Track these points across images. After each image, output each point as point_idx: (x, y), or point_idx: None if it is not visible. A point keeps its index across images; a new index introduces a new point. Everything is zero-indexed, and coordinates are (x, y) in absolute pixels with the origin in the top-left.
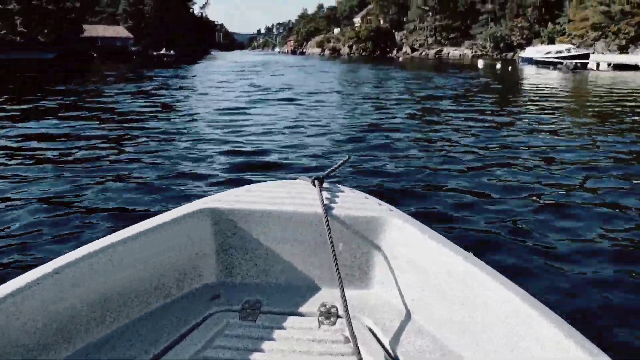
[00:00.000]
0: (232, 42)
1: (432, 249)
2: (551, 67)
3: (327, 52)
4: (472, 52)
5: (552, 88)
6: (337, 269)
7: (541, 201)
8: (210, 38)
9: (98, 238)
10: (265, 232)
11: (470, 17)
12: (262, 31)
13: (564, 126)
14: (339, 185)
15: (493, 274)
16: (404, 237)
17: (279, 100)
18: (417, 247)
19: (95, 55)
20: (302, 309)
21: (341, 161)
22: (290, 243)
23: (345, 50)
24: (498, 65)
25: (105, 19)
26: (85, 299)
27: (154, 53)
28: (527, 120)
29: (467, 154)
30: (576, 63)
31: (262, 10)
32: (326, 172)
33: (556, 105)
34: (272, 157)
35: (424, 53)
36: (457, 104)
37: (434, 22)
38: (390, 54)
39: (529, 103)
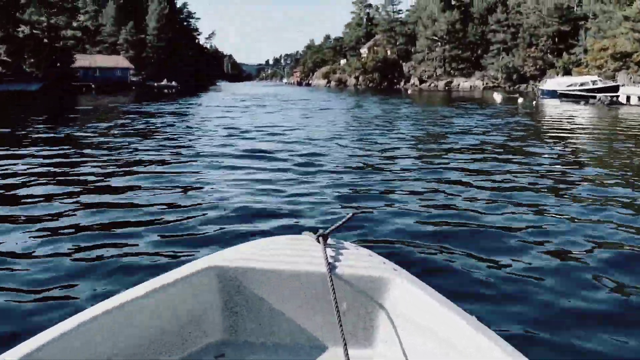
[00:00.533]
0: (240, 72)
1: (436, 311)
2: (582, 102)
3: (333, 83)
4: (483, 84)
5: (604, 129)
6: (341, 328)
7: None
8: (218, 68)
9: (101, 300)
10: (270, 291)
11: (481, 47)
12: (271, 62)
13: None
14: (343, 242)
15: (496, 340)
16: (408, 298)
17: (268, 155)
18: (421, 309)
19: (92, 86)
20: None
21: (346, 218)
22: (295, 302)
23: (351, 81)
24: (520, 100)
25: (107, 49)
26: None
27: (155, 84)
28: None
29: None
30: (612, 97)
31: (271, 41)
32: (330, 228)
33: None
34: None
35: (433, 85)
36: (491, 155)
37: (443, 53)
38: (397, 86)
39: (587, 156)
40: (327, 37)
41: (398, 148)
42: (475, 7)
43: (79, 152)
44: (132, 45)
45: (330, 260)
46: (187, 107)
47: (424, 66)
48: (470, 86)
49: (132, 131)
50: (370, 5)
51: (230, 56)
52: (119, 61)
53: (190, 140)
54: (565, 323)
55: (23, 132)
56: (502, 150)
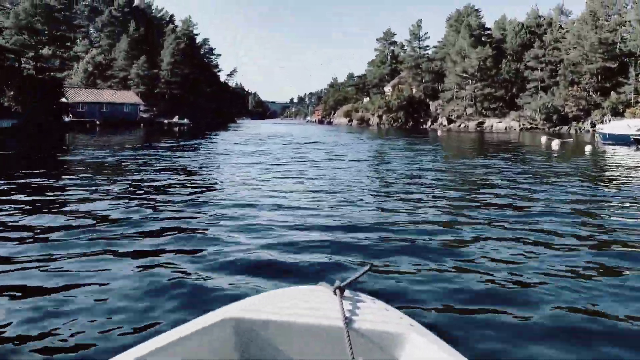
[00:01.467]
0: (264, 110)
1: None
2: None
3: (354, 122)
4: (519, 125)
5: None
6: None
7: None
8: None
9: (116, 354)
10: (287, 344)
11: (516, 85)
12: (295, 100)
13: None
14: (360, 295)
15: None
16: (425, 355)
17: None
18: None
19: (97, 122)
20: None
21: (362, 270)
22: (310, 356)
23: (374, 120)
24: (588, 148)
25: (118, 84)
26: None
27: (165, 121)
28: None
29: None
30: None
31: (297, 80)
32: (347, 281)
33: None
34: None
35: (462, 125)
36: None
37: (474, 91)
38: (424, 126)
39: None
40: (351, 76)
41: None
42: (508, 43)
43: None
44: (144, 81)
45: (347, 314)
46: (209, 150)
47: (453, 105)
48: (506, 127)
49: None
50: (394, 43)
51: (254, 94)
52: (128, 97)
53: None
54: None
55: None
56: None
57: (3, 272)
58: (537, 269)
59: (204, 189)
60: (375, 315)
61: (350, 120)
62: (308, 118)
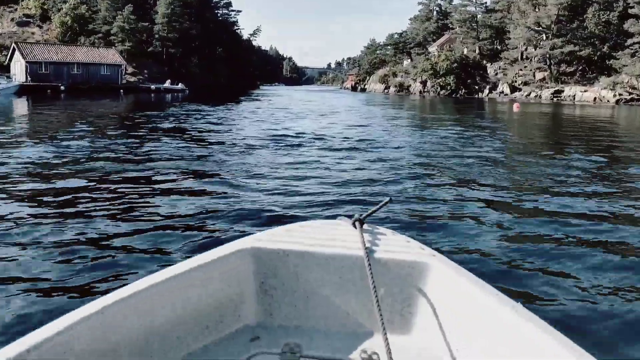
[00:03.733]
0: (299, 76)
1: (477, 297)
2: None
3: (392, 89)
4: (614, 95)
5: None
6: (380, 314)
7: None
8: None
9: (138, 279)
10: (306, 274)
11: (609, 42)
12: (333, 65)
13: None
14: (379, 228)
15: (544, 328)
16: (448, 284)
17: None
18: (462, 295)
19: (62, 87)
20: (342, 356)
21: (382, 203)
22: (330, 286)
23: (416, 87)
24: None
25: (100, 41)
26: (128, 340)
27: (152, 87)
28: None
29: None
30: None
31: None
32: (367, 213)
33: None
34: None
35: (532, 94)
36: None
37: (553, 49)
38: (479, 94)
39: None
40: (391, 36)
41: None
42: None
43: None
44: (131, 37)
45: (367, 244)
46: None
47: (519, 68)
48: (595, 98)
49: None
50: None
51: (290, 59)
52: (108, 56)
53: None
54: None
55: None
56: None
57: None
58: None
59: None
60: (396, 245)
61: (387, 87)
62: (340, 85)
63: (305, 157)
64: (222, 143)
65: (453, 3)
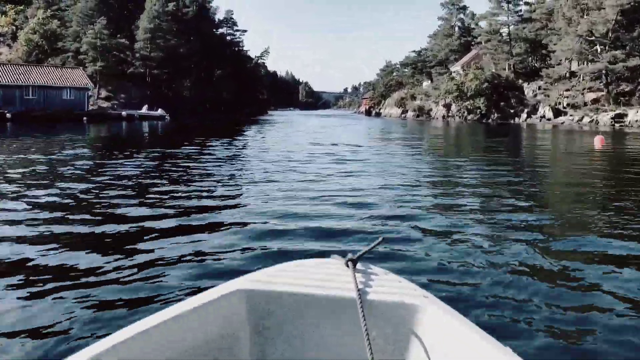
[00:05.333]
0: (316, 100)
1: (468, 340)
2: None
3: (410, 113)
4: None
5: None
6: (372, 357)
7: None
8: (288, 95)
9: (131, 323)
10: (300, 315)
11: None
12: (349, 90)
13: None
14: (372, 267)
15: None
16: (440, 326)
17: None
18: (453, 337)
19: (8, 115)
20: None
21: (375, 242)
22: (324, 327)
23: (438, 111)
24: None
25: (71, 60)
26: None
27: (123, 113)
28: None
29: None
30: None
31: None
32: (359, 253)
33: None
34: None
35: (585, 119)
36: None
37: (612, 63)
38: (514, 119)
39: None
40: (407, 57)
41: None
42: None
43: None
44: (104, 55)
45: (360, 286)
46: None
47: (564, 88)
48: None
49: None
50: (464, 8)
51: (305, 83)
52: (72, 77)
53: None
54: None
55: None
56: None
57: None
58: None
59: None
60: (388, 286)
61: (405, 111)
62: (356, 109)
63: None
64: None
65: (481, 12)
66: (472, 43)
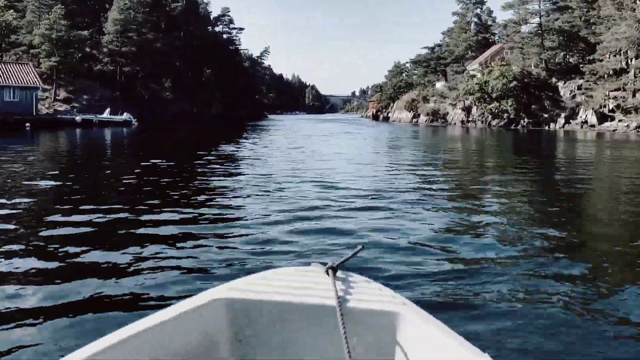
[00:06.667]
0: (323, 104)
1: (446, 346)
2: None
3: (423, 117)
4: None
5: None
6: None
7: None
8: (292, 98)
9: (109, 332)
10: (281, 323)
11: None
12: (357, 93)
13: None
14: (352, 275)
15: None
16: (419, 333)
17: None
18: (432, 344)
19: None
20: None
21: (355, 250)
22: (305, 335)
23: (456, 114)
24: None
25: (26, 54)
26: None
27: (78, 118)
28: None
29: None
30: None
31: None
32: (339, 261)
33: None
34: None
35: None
36: None
37: None
38: (549, 124)
39: None
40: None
41: None
42: None
43: None
44: (61, 49)
45: (340, 294)
46: None
47: (614, 87)
48: None
49: None
50: (481, 3)
51: (312, 87)
52: (17, 74)
53: None
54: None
55: None
56: None
57: None
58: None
59: None
60: (368, 294)
61: (416, 115)
62: (363, 113)
63: None
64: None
65: (492, 20)
66: (490, 40)
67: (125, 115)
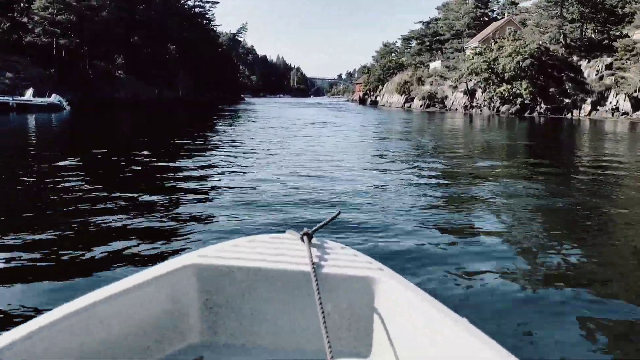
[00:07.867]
0: (308, 87)
1: (423, 311)
2: None
3: (417, 102)
4: None
5: None
6: (326, 331)
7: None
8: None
9: (76, 297)
10: (252, 290)
11: None
12: (344, 76)
13: None
14: (328, 241)
15: (487, 342)
16: (395, 298)
17: None
18: (409, 309)
19: None
20: None
21: (331, 216)
22: (277, 302)
23: (457, 99)
24: None
25: None
26: None
27: (12, 100)
28: None
29: None
30: None
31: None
32: (315, 227)
33: None
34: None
35: None
36: None
37: None
38: (572, 112)
39: None
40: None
41: None
42: None
43: None
44: None
45: (315, 260)
46: None
47: None
48: None
49: None
50: None
51: (297, 69)
52: None
53: None
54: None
55: None
56: None
57: None
58: None
59: None
60: (344, 260)
61: (409, 99)
62: (349, 97)
63: None
64: None
65: None
66: (488, 17)
67: (54, 98)
